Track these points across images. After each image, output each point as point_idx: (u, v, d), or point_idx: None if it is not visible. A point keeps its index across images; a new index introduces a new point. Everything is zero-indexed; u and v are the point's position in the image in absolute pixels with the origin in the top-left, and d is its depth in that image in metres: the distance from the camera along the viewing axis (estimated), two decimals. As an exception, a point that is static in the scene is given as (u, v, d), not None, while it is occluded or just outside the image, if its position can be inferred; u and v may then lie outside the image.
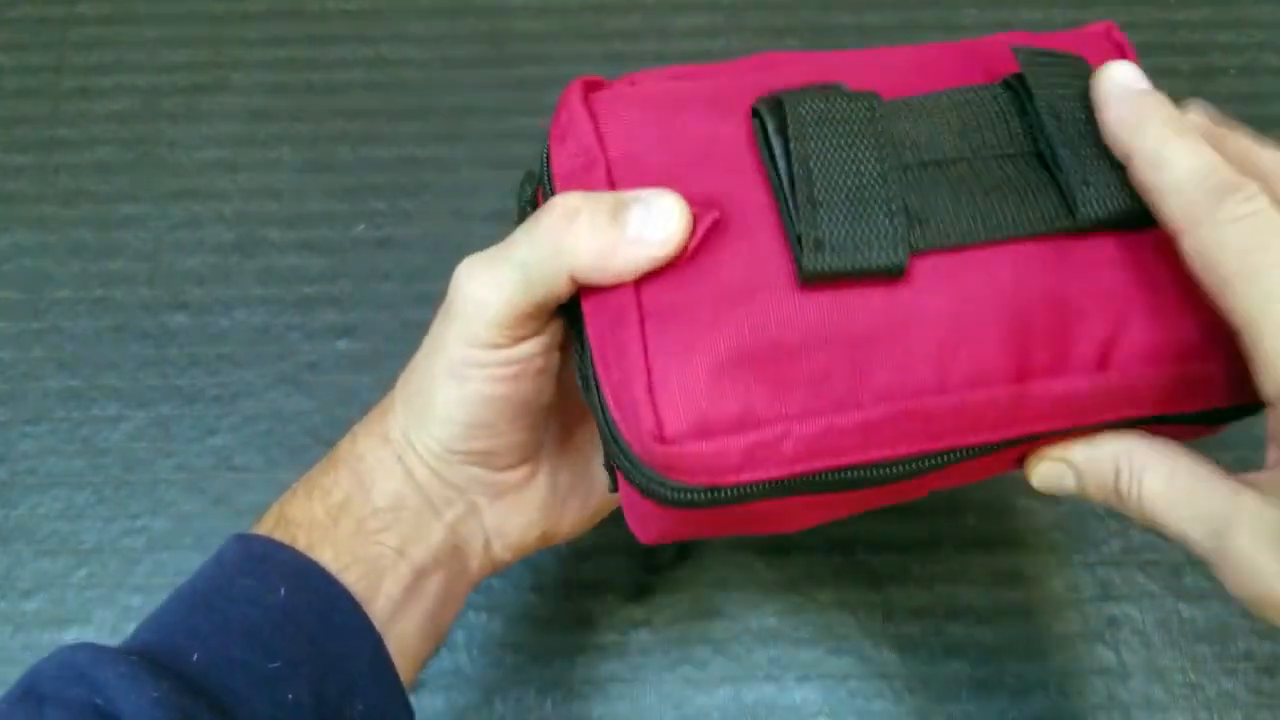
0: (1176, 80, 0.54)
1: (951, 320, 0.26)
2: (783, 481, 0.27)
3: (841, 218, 0.26)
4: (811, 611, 0.43)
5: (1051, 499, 0.45)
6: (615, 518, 0.45)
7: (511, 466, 0.33)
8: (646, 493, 0.27)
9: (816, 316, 0.26)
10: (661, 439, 0.26)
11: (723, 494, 0.26)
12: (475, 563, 0.34)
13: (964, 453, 0.28)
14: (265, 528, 0.31)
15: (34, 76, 0.55)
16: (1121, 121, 0.27)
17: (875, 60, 0.31)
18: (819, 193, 0.26)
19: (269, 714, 0.28)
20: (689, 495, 0.26)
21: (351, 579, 0.30)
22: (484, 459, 0.32)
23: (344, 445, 0.33)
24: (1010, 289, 0.27)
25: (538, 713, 0.42)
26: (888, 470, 0.27)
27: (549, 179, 0.30)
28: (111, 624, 0.44)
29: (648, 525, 0.30)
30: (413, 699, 0.42)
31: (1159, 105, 0.27)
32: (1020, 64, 0.29)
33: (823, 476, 0.27)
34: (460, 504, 0.33)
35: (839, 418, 0.26)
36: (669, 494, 0.26)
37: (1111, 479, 0.28)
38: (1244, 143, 0.28)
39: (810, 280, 0.26)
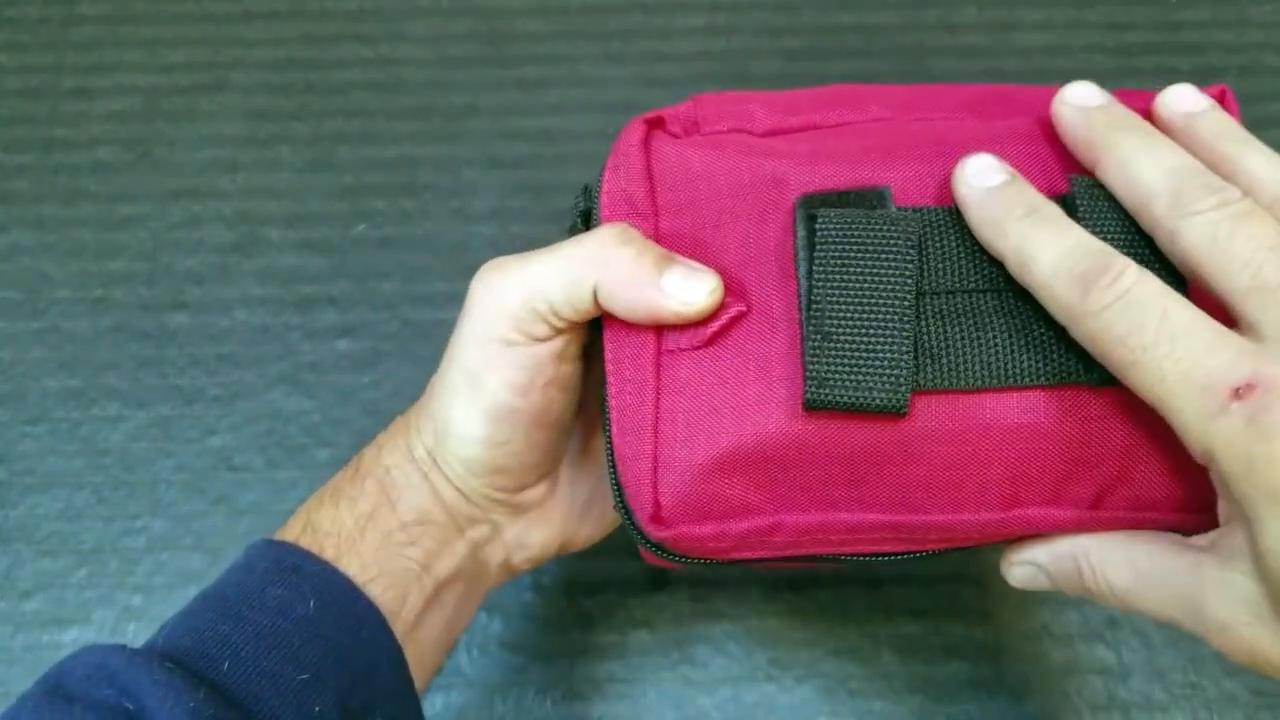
0: (1177, 80, 0.53)
1: (952, 456, 0.27)
2: (775, 557, 0.29)
3: (848, 353, 0.26)
4: (811, 611, 0.43)
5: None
6: (616, 518, 0.45)
7: (530, 486, 0.33)
8: (649, 548, 0.29)
9: (818, 437, 0.27)
10: (658, 520, 0.28)
11: (717, 564, 0.29)
12: (493, 574, 0.35)
13: (942, 552, 0.30)
14: (292, 533, 0.31)
15: (34, 76, 0.55)
16: (983, 225, 0.27)
17: (941, 114, 0.30)
18: (829, 324, 0.26)
19: None
20: (686, 561, 0.29)
21: (377, 591, 0.31)
22: (504, 478, 0.32)
23: (369, 455, 0.33)
24: (1016, 435, 0.27)
25: (537, 712, 0.42)
26: (870, 558, 0.30)
27: (597, 207, 0.30)
28: (111, 624, 0.44)
29: (654, 559, 0.31)
30: (413, 699, 0.42)
31: (1017, 197, 0.26)
32: (1071, 188, 0.27)
33: (812, 556, 0.29)
34: (484, 524, 0.33)
35: (830, 517, 0.28)
36: (668, 557, 0.29)
37: (1077, 577, 0.28)
38: (1228, 147, 0.27)
39: (811, 409, 0.26)
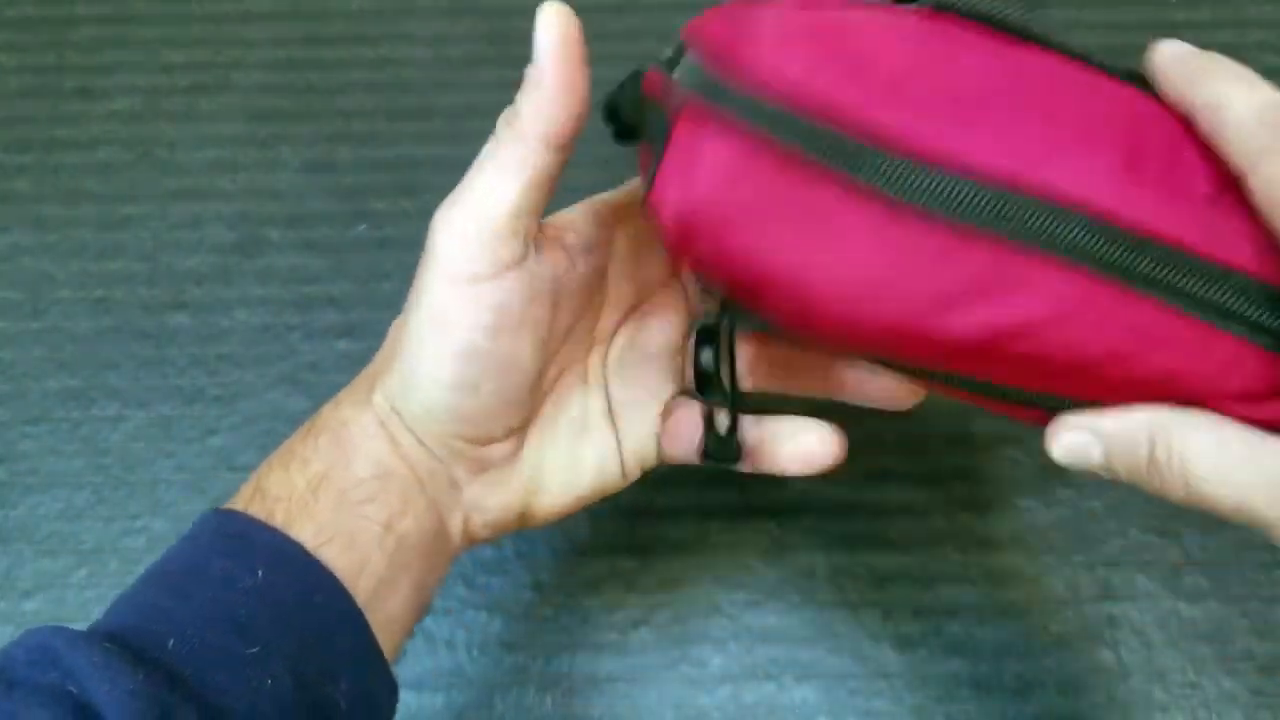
0: (1176, 81, 0.54)
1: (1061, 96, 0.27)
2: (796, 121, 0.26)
3: None
4: (811, 611, 0.43)
5: (1051, 498, 0.45)
6: (613, 515, 0.45)
7: (495, 440, 0.33)
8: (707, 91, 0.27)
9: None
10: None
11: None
12: (455, 537, 0.34)
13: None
14: (241, 501, 0.31)
15: (34, 76, 0.55)
16: (1182, 79, 0.27)
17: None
18: None
19: (248, 700, 0.27)
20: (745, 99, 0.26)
21: (333, 554, 0.30)
22: (469, 427, 0.32)
23: (326, 411, 0.33)
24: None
25: (538, 712, 0.42)
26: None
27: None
28: (112, 623, 0.44)
29: (684, 182, 0.28)
30: (413, 698, 0.42)
31: (1218, 59, 0.27)
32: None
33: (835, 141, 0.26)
34: (442, 476, 0.33)
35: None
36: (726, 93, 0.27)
37: (1145, 451, 0.26)
38: None
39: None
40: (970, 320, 0.26)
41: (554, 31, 0.29)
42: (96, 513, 0.46)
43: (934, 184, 0.25)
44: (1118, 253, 0.25)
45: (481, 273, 0.30)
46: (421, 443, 0.32)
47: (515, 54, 0.56)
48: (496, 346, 0.30)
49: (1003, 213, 0.25)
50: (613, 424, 0.36)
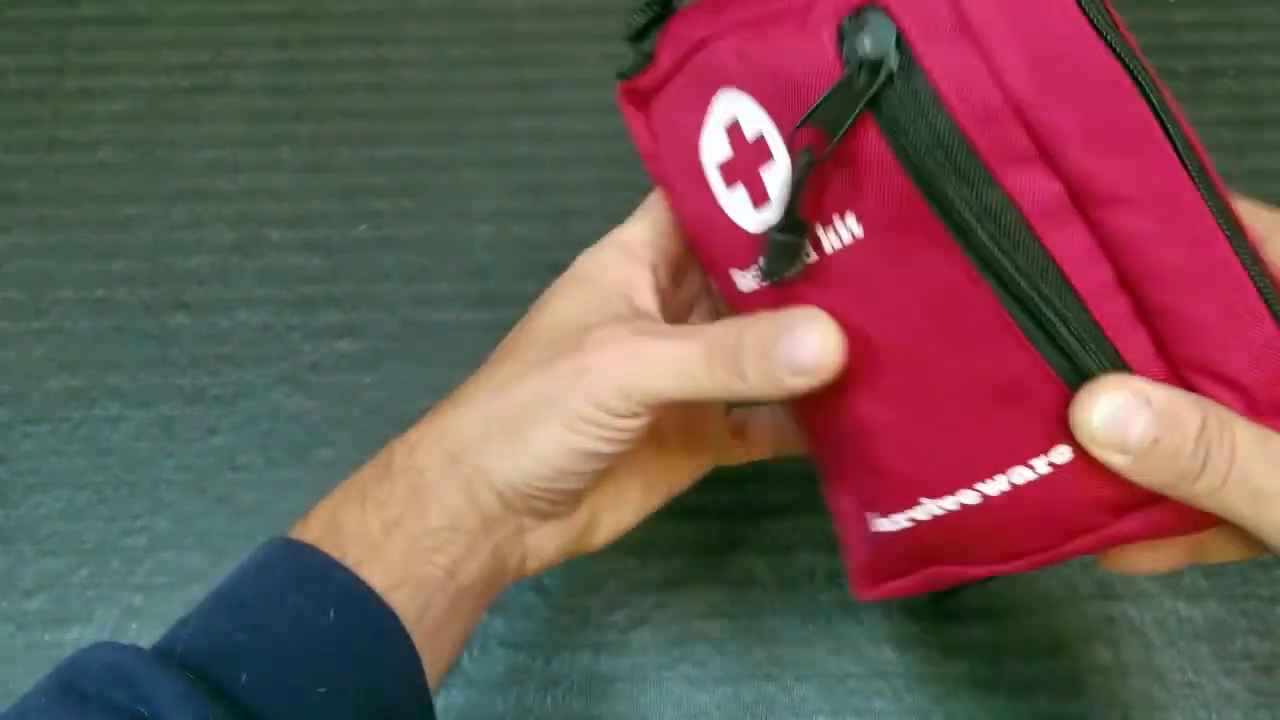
0: (1175, 81, 0.54)
1: None
2: None
3: None
4: (811, 611, 0.43)
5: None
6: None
7: (570, 503, 0.34)
8: None
9: None
10: None
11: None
12: (509, 575, 0.35)
13: None
14: (314, 533, 0.31)
15: (36, 77, 0.56)
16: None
17: None
18: None
19: None
20: None
21: (400, 599, 0.30)
22: (559, 497, 0.33)
23: (400, 454, 0.32)
24: None
25: (538, 711, 0.42)
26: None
27: None
28: (113, 623, 0.44)
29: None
30: (413, 698, 0.42)
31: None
32: None
33: None
34: (511, 524, 0.33)
35: None
36: None
37: (1197, 424, 0.24)
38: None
39: None
40: None
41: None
42: (98, 512, 0.46)
43: None
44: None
45: (627, 416, 0.31)
46: (502, 500, 0.32)
47: (515, 54, 0.56)
48: (615, 450, 0.31)
49: None
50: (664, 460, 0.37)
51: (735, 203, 0.29)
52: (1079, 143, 0.24)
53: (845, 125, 0.24)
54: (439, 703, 0.42)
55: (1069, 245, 0.24)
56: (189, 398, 0.48)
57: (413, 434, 0.33)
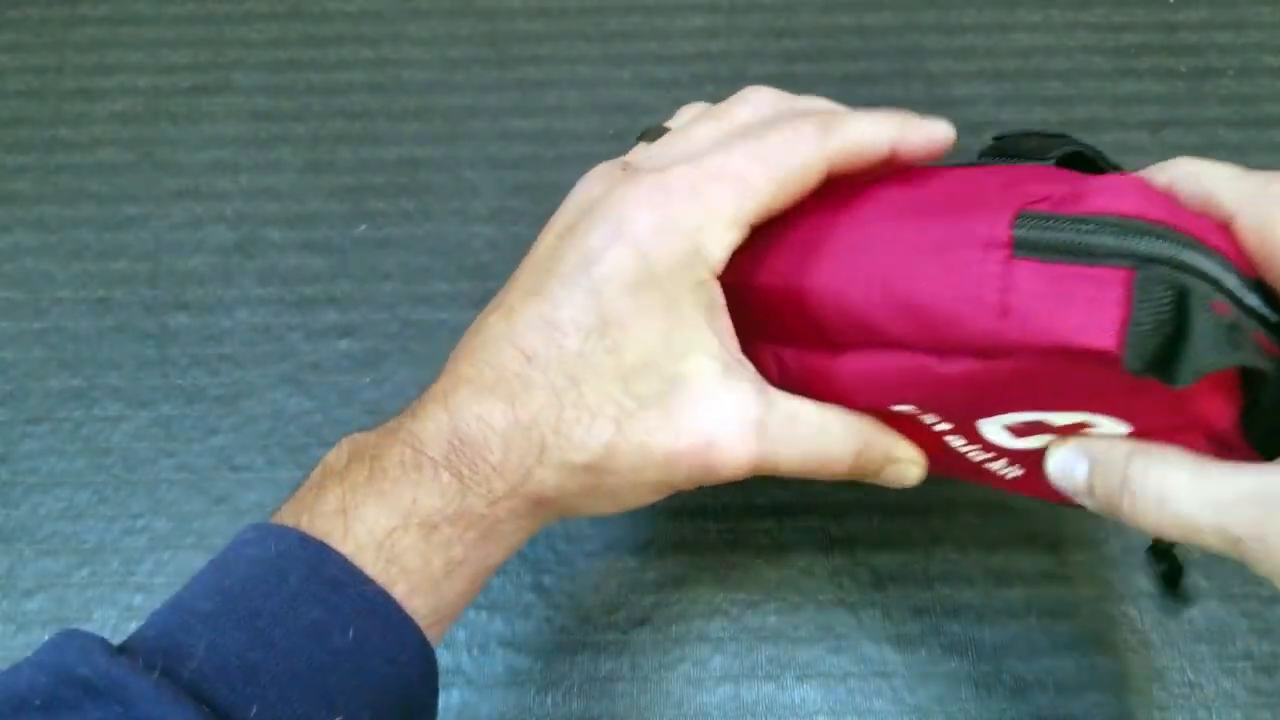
0: (1175, 81, 0.54)
1: None
2: None
3: None
4: (811, 611, 0.43)
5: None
6: (615, 517, 0.45)
7: None
8: None
9: None
10: None
11: None
12: None
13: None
14: (358, 542, 0.28)
15: (36, 77, 0.56)
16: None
17: None
18: None
19: None
20: None
21: (438, 631, 0.29)
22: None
23: (478, 500, 0.30)
24: None
25: (538, 711, 0.42)
26: None
27: None
28: (113, 623, 0.44)
29: None
30: (413, 698, 0.42)
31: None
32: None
33: None
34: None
35: None
36: None
37: (1121, 468, 0.28)
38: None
39: None
40: None
41: None
42: (98, 512, 0.46)
43: None
44: None
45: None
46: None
47: (515, 54, 0.56)
48: None
49: None
50: None
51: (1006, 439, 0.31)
52: None
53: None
54: (439, 703, 0.42)
55: None
56: (189, 398, 0.48)
57: (495, 481, 0.30)
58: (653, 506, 0.45)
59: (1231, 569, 0.43)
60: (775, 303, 0.31)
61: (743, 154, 0.30)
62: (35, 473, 0.47)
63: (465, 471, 0.29)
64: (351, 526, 0.28)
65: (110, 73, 0.56)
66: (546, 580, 0.44)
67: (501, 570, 0.44)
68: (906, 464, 0.33)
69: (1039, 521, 0.45)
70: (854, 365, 0.30)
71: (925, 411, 0.31)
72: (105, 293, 0.50)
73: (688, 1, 0.57)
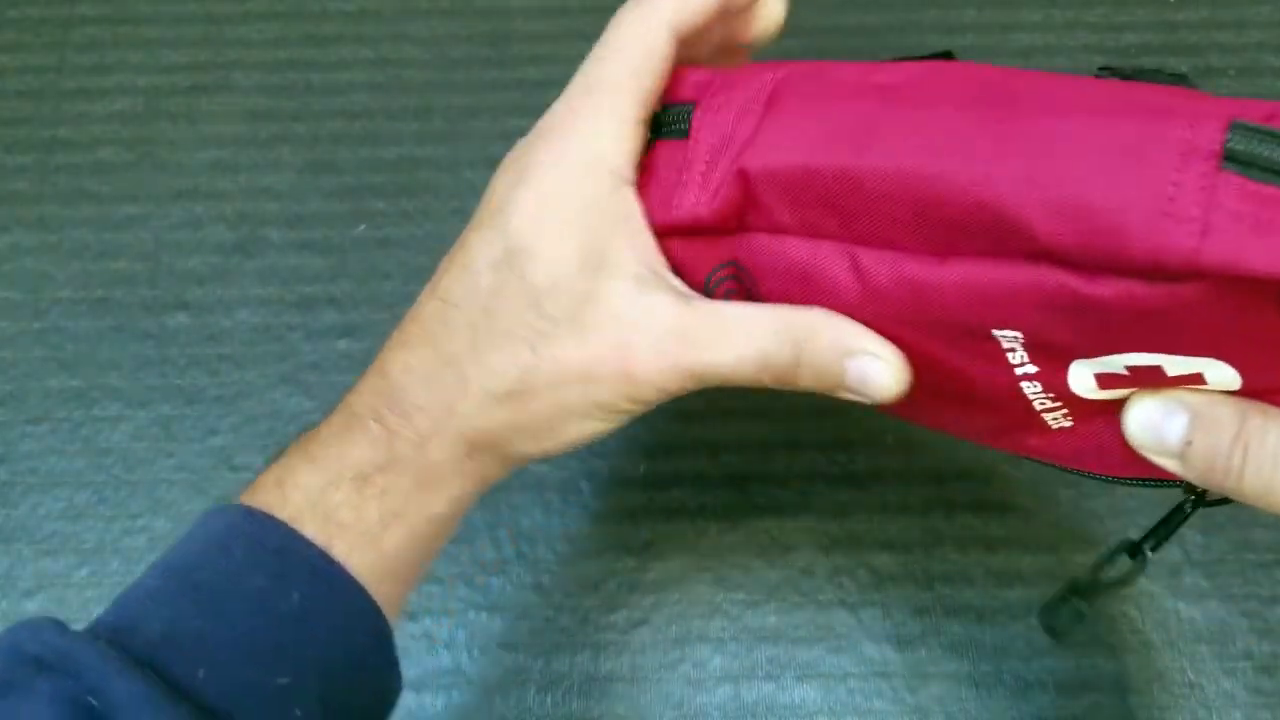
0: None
1: None
2: None
3: None
4: (811, 611, 0.43)
5: (1051, 499, 0.45)
6: (613, 515, 0.45)
7: None
8: None
9: None
10: None
11: None
12: None
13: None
14: (294, 507, 0.29)
15: (35, 77, 0.55)
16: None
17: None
18: None
19: None
20: None
21: (386, 589, 0.29)
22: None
23: (406, 444, 0.30)
24: None
25: (538, 712, 0.42)
26: None
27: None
28: (112, 623, 0.44)
29: None
30: (413, 698, 0.42)
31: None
32: None
33: None
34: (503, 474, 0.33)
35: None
36: None
37: (1234, 427, 0.25)
38: None
39: None
40: None
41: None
42: (98, 512, 0.46)
43: None
44: None
45: (654, 401, 0.31)
46: (511, 467, 0.32)
47: (515, 54, 0.56)
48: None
49: None
50: None
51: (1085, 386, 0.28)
52: None
53: None
54: (439, 703, 0.42)
55: None
56: (188, 398, 0.48)
57: (421, 420, 0.30)
58: (652, 506, 0.45)
59: (1232, 569, 0.43)
60: (880, 190, 0.27)
61: (600, 54, 0.31)
62: (35, 473, 0.47)
63: (392, 419, 0.30)
64: (289, 495, 0.29)
65: (109, 72, 0.56)
66: (546, 580, 0.44)
67: (501, 570, 0.44)
68: (869, 357, 0.29)
69: (1039, 521, 0.45)
70: (965, 274, 0.26)
71: (1027, 343, 0.27)
72: (104, 293, 0.50)
73: (688, 1, 0.57)
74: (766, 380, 0.30)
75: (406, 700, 0.42)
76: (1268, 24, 0.55)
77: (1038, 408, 0.29)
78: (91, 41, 0.56)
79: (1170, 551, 0.44)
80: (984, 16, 0.56)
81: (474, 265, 0.31)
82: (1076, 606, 0.35)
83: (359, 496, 0.29)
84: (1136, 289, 0.23)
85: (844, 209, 0.28)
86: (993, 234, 0.25)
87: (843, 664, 0.42)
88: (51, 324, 0.50)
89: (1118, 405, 0.28)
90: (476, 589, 0.44)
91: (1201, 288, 0.23)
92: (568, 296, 0.29)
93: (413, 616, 0.43)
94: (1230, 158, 0.23)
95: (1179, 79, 0.27)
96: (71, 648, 0.25)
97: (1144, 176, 0.23)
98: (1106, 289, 0.24)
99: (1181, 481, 0.29)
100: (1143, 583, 0.43)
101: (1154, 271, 0.23)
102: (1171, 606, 0.43)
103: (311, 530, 0.28)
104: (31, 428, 0.48)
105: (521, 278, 0.30)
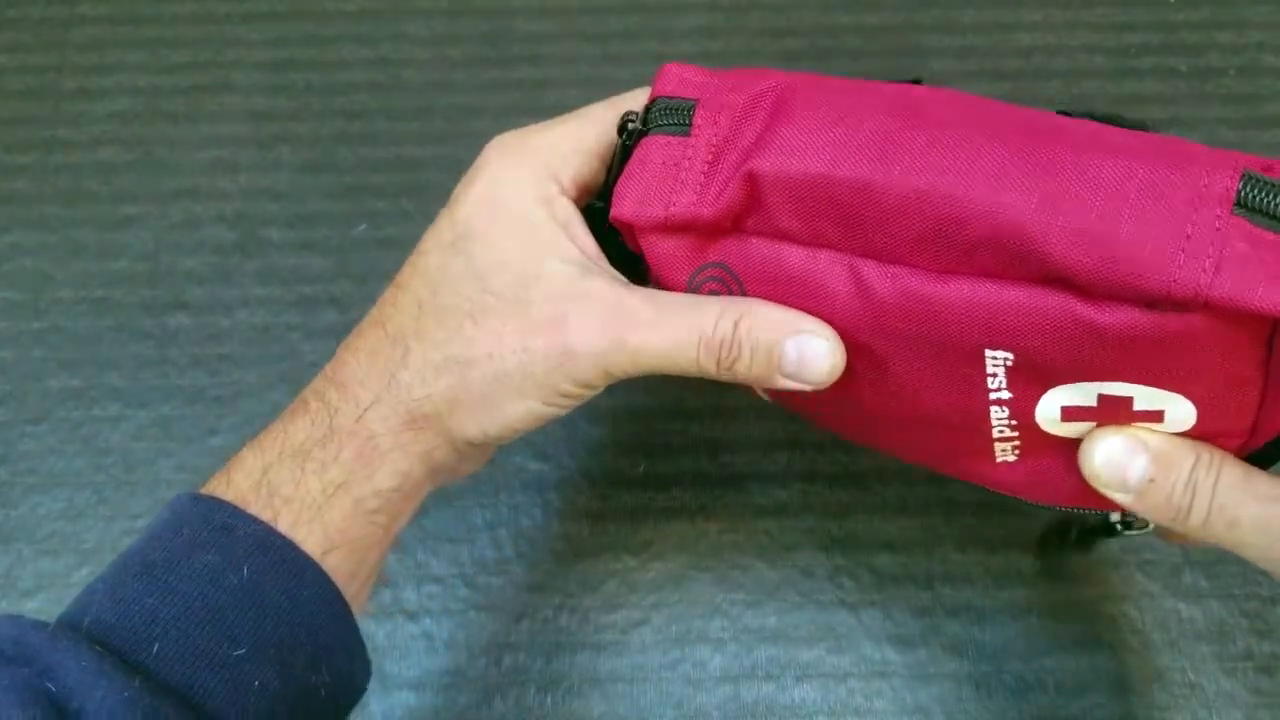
0: (1176, 81, 0.54)
1: None
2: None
3: None
4: (811, 611, 0.43)
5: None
6: (613, 515, 0.45)
7: None
8: None
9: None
10: None
11: None
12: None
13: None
14: (239, 490, 0.30)
15: (36, 77, 0.55)
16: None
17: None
18: None
19: (238, 704, 0.27)
20: None
21: (335, 561, 0.30)
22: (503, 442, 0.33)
23: (346, 416, 0.31)
24: None
25: (538, 712, 0.42)
26: None
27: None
28: (112, 623, 0.44)
29: None
30: (413, 698, 0.42)
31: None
32: None
33: None
34: (453, 462, 0.33)
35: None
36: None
37: (1188, 468, 0.27)
38: None
39: None
40: None
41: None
42: (98, 512, 0.46)
43: None
44: None
45: (598, 386, 0.31)
46: (456, 451, 0.32)
47: (515, 54, 0.56)
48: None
49: None
50: None
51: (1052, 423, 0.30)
52: None
53: None
54: (439, 703, 0.42)
55: None
56: (189, 398, 0.48)
57: (360, 391, 0.31)
58: (652, 506, 0.45)
59: (1232, 569, 0.43)
60: (900, 205, 0.28)
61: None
62: (35, 473, 0.47)
63: (333, 395, 0.31)
64: (233, 478, 0.30)
65: (110, 72, 0.56)
66: (546, 580, 0.44)
67: (502, 571, 0.44)
68: (808, 335, 0.29)
69: (1039, 522, 0.45)
70: (972, 292, 0.28)
71: (1013, 366, 0.28)
72: (105, 293, 0.50)
73: (688, 1, 0.57)
74: (706, 363, 0.30)
75: (406, 700, 0.42)
76: (1268, 24, 0.55)
77: (994, 436, 0.31)
78: (91, 41, 0.56)
79: (1170, 552, 0.44)
80: (984, 16, 0.56)
81: (424, 250, 0.33)
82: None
83: (300, 471, 0.30)
84: (1140, 316, 0.26)
85: (856, 220, 0.29)
86: (1008, 256, 0.27)
87: (843, 664, 0.42)
88: (51, 324, 0.50)
89: (1065, 444, 0.30)
90: (476, 589, 0.44)
91: (1201, 320, 0.25)
92: (511, 275, 0.31)
93: (413, 616, 0.43)
94: (1240, 203, 0.25)
95: (1139, 126, 0.29)
96: (24, 635, 0.26)
97: (1164, 214, 0.25)
98: (1111, 314, 0.26)
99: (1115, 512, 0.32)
100: (1143, 583, 0.44)
101: (1163, 301, 0.25)
102: (1171, 606, 0.43)
103: (256, 507, 0.29)
104: (31, 428, 0.48)
105: (469, 258, 0.32)
